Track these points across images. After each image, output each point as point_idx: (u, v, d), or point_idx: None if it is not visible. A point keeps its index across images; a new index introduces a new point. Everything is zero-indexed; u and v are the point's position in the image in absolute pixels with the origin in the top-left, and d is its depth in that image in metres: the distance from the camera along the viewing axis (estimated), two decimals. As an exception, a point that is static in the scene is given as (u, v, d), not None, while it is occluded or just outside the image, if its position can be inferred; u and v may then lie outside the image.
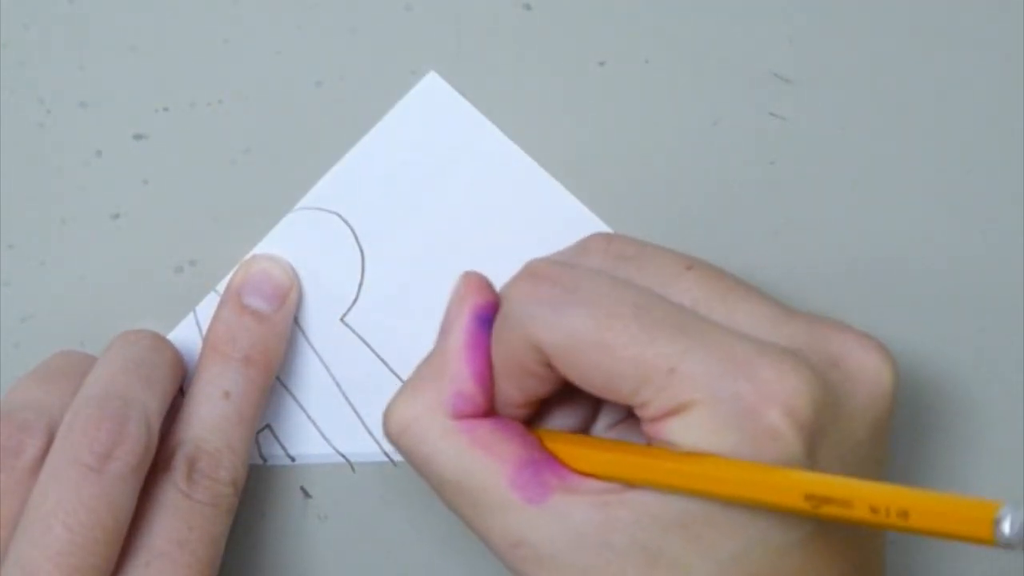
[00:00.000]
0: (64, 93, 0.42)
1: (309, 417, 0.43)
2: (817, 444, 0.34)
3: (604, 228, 0.41)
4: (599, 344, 0.34)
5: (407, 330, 0.42)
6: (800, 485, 0.32)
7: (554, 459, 0.36)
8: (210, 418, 0.39)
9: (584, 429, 0.39)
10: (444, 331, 0.38)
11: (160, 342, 0.40)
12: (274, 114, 0.42)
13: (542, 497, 0.35)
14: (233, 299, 0.41)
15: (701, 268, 0.36)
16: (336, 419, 0.43)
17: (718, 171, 0.42)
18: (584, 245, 0.38)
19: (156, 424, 0.38)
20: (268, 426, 0.43)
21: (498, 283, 0.38)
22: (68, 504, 0.36)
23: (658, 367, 0.34)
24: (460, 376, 0.37)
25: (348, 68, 0.42)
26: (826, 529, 0.34)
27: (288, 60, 0.42)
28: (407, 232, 0.42)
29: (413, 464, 0.37)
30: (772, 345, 0.34)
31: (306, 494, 0.44)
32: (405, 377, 0.42)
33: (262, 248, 0.42)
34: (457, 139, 0.42)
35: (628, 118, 0.42)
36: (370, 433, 0.43)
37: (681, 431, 0.34)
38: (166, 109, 0.42)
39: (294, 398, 0.42)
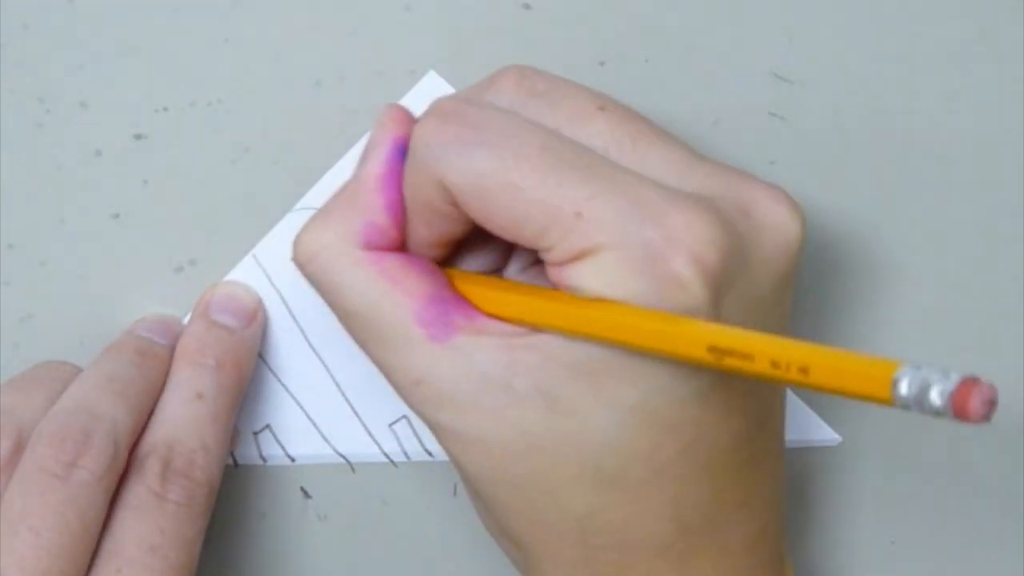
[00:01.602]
0: (64, 93, 0.42)
1: (309, 417, 0.43)
2: (723, 295, 0.33)
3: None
4: (505, 185, 0.33)
5: (407, 330, 0.42)
6: (703, 336, 0.32)
7: (463, 299, 0.36)
8: (183, 419, 0.39)
9: (495, 272, 0.38)
10: (362, 160, 0.37)
11: (141, 357, 0.40)
12: (274, 114, 0.42)
13: (447, 335, 0.35)
14: (201, 316, 0.41)
15: (613, 109, 0.36)
16: (336, 419, 0.43)
17: (718, 171, 0.42)
18: (494, 80, 0.37)
19: (125, 437, 0.38)
20: (268, 426, 0.43)
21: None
22: (35, 509, 0.36)
23: (565, 211, 0.33)
24: (373, 206, 0.36)
25: (348, 68, 0.42)
26: (726, 382, 0.34)
27: (288, 60, 0.42)
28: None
29: (321, 293, 0.37)
30: (682, 192, 0.34)
31: (306, 494, 0.44)
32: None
33: (262, 248, 0.42)
34: (457, 139, 0.42)
35: (628, 118, 0.42)
36: (370, 434, 0.43)
37: (586, 276, 0.33)
38: (166, 109, 0.42)
39: (294, 398, 0.42)
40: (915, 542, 0.43)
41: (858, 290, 0.43)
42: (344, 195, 0.37)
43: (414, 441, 0.43)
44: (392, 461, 0.43)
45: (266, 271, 0.42)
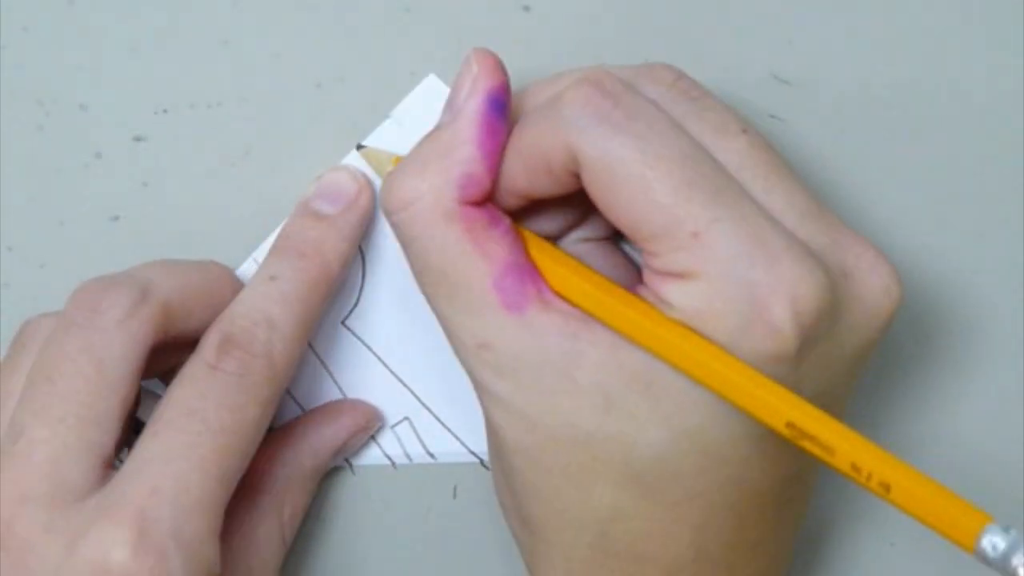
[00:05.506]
0: (63, 95, 0.42)
1: (310, 419, 0.43)
2: (808, 350, 0.33)
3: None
4: (637, 178, 0.33)
5: (407, 332, 0.42)
6: (786, 409, 0.32)
7: (535, 269, 0.36)
8: (250, 297, 0.38)
9: (559, 235, 0.39)
10: (455, 109, 0.36)
11: (212, 264, 0.40)
12: (274, 116, 0.42)
13: (520, 307, 0.35)
14: (300, 207, 0.41)
15: (755, 136, 0.35)
16: (336, 421, 0.43)
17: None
18: (652, 71, 0.36)
19: (159, 294, 0.37)
20: (268, 428, 0.42)
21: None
22: (51, 358, 0.36)
23: (685, 227, 0.33)
24: (472, 159, 0.36)
25: (348, 70, 0.42)
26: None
27: (288, 62, 0.42)
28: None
29: (402, 241, 0.36)
30: (798, 240, 0.34)
31: (306, 496, 0.43)
32: (405, 379, 0.42)
33: (262, 252, 0.41)
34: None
35: (628, 120, 0.42)
36: (371, 435, 0.43)
37: (681, 296, 0.33)
38: (166, 111, 0.42)
39: (295, 400, 0.42)
40: (915, 543, 0.43)
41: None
42: (437, 145, 0.36)
43: (416, 443, 0.43)
44: (393, 463, 0.43)
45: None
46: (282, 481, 0.41)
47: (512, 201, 0.37)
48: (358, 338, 0.42)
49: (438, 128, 0.37)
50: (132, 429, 0.38)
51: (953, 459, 0.43)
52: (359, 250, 0.41)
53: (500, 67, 0.36)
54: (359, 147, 0.41)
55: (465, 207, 0.36)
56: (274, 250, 0.40)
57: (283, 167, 0.42)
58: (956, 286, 0.43)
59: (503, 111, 0.36)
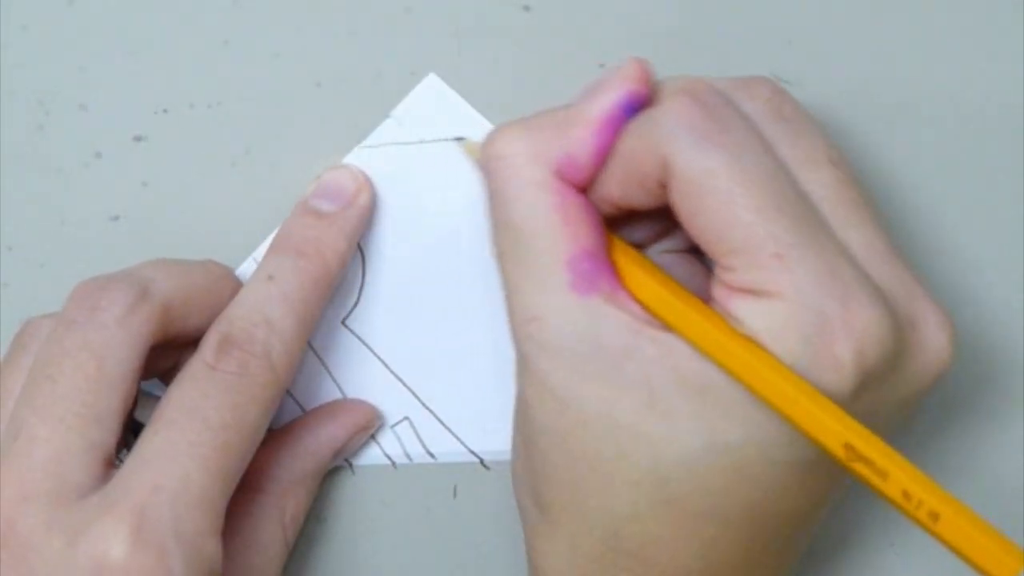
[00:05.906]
0: (63, 95, 0.42)
1: (310, 419, 0.43)
2: (863, 391, 0.33)
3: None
4: (723, 192, 0.33)
5: (407, 332, 0.42)
6: (845, 431, 0.32)
7: (614, 268, 0.35)
8: (249, 297, 0.38)
9: (643, 245, 0.38)
10: (589, 95, 0.36)
11: (212, 264, 0.40)
12: (274, 115, 0.42)
13: (587, 293, 0.35)
14: (300, 205, 0.41)
15: (843, 169, 0.35)
16: (336, 421, 0.43)
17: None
18: (750, 86, 0.36)
19: (159, 293, 0.38)
20: (269, 428, 0.42)
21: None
22: (51, 356, 0.36)
23: (766, 246, 0.33)
24: (581, 142, 0.35)
25: (348, 69, 0.42)
26: (822, 466, 0.34)
27: (288, 61, 0.42)
28: (407, 234, 0.42)
29: (489, 188, 0.36)
30: (871, 282, 0.34)
31: (306, 496, 0.43)
32: (405, 379, 0.42)
33: (262, 252, 0.41)
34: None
35: (628, 120, 0.42)
36: (372, 435, 0.43)
37: (752, 313, 0.33)
38: (165, 111, 0.42)
39: (295, 400, 0.42)
40: (915, 544, 0.43)
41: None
42: (556, 118, 0.36)
43: (416, 443, 0.43)
44: (393, 463, 0.43)
45: (266, 273, 0.42)
46: (283, 482, 0.41)
47: (605, 208, 0.36)
48: (358, 338, 0.42)
49: (567, 105, 0.36)
50: (130, 430, 0.38)
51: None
52: (359, 249, 0.41)
53: (648, 78, 0.36)
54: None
55: (561, 183, 0.35)
56: (273, 248, 0.40)
57: (283, 167, 0.42)
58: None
59: (631, 117, 0.36)
